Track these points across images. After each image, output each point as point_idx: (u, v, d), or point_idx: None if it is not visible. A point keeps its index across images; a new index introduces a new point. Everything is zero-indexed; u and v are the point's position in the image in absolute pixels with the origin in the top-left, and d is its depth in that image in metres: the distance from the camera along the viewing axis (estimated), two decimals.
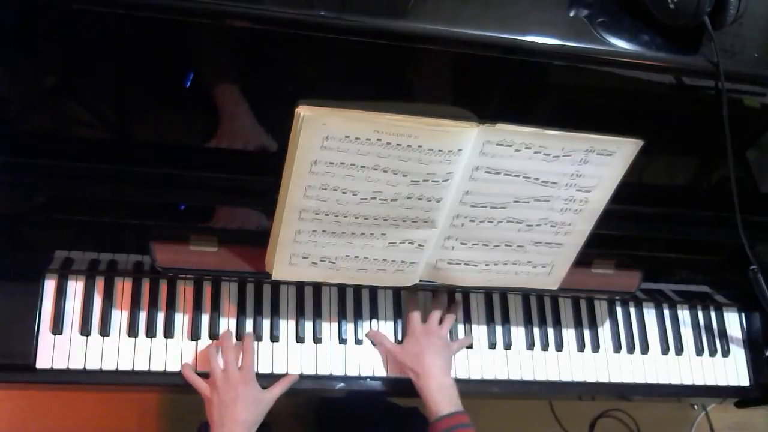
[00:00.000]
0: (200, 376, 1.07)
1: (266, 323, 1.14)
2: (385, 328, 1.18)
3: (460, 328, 1.21)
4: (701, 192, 1.13)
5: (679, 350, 1.28)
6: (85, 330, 1.08)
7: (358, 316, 1.17)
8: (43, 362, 1.05)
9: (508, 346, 1.21)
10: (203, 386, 1.05)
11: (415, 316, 1.15)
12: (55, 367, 1.06)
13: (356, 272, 1.00)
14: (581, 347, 1.24)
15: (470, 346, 1.20)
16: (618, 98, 0.99)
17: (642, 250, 1.16)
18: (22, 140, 0.93)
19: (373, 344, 1.16)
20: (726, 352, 1.30)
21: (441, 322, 1.16)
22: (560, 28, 0.86)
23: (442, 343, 1.13)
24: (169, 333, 1.10)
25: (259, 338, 1.12)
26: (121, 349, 1.08)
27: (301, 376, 1.12)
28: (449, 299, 1.21)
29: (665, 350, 1.28)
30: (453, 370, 1.16)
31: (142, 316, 1.10)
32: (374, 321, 1.17)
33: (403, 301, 1.19)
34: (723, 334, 1.31)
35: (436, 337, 1.13)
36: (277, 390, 1.07)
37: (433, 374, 1.07)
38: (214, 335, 1.11)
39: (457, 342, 1.17)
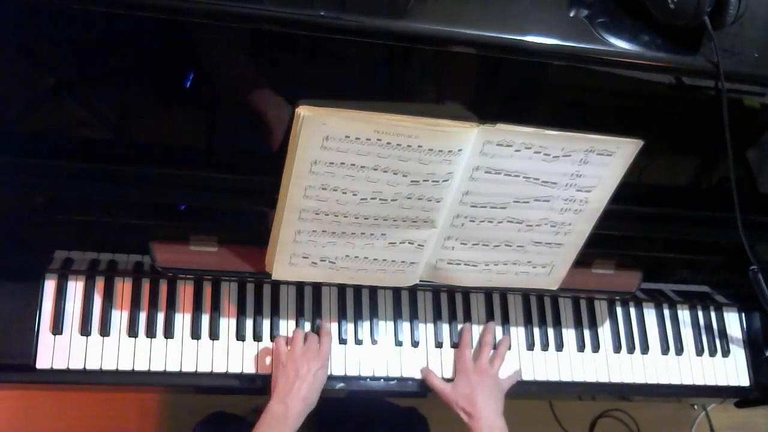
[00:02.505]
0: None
1: (266, 323, 1.14)
2: (385, 328, 1.18)
3: (460, 328, 1.20)
4: (701, 192, 1.13)
5: (679, 350, 1.28)
6: (85, 330, 1.08)
7: (358, 316, 1.17)
8: (43, 362, 1.05)
9: (507, 346, 1.21)
10: (282, 349, 1.06)
11: (466, 354, 1.14)
12: (55, 367, 1.06)
13: (356, 272, 1.00)
14: (581, 347, 1.24)
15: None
16: (618, 98, 0.99)
17: (642, 250, 1.16)
18: (22, 140, 0.93)
19: (372, 341, 1.16)
20: (726, 352, 1.30)
21: (492, 359, 1.15)
22: (560, 28, 0.86)
23: (494, 383, 1.12)
24: (169, 333, 1.10)
25: (259, 338, 1.13)
26: (121, 349, 1.08)
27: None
28: (496, 337, 1.20)
29: (665, 350, 1.28)
30: (452, 371, 1.16)
31: (142, 316, 1.10)
32: (374, 321, 1.17)
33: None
34: (723, 334, 1.31)
35: (487, 376, 1.12)
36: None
37: (485, 416, 1.06)
38: (214, 335, 1.11)
39: (507, 379, 1.16)
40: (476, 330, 1.21)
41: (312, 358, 1.05)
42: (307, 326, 1.15)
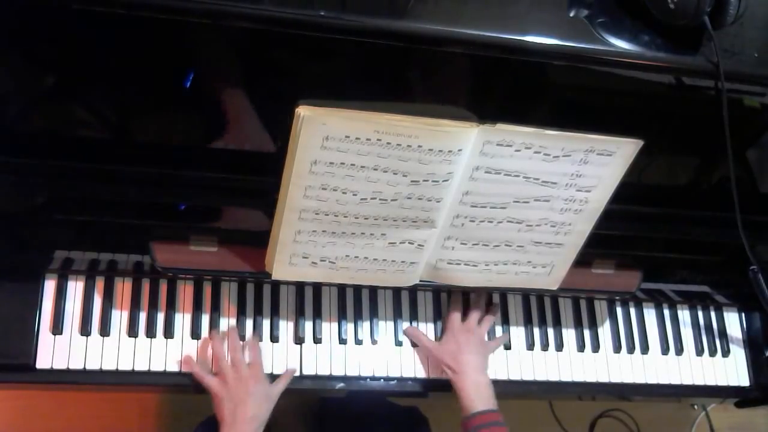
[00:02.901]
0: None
1: (266, 323, 1.14)
2: (385, 328, 1.18)
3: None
4: (701, 192, 1.13)
5: (679, 350, 1.28)
6: (85, 330, 1.08)
7: (358, 316, 1.17)
8: (43, 362, 1.05)
9: (507, 346, 1.21)
10: (213, 383, 1.05)
11: (455, 315, 1.16)
12: (55, 367, 1.06)
13: (356, 272, 1.00)
14: (581, 347, 1.24)
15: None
16: (618, 98, 0.99)
17: (642, 250, 1.16)
18: (22, 140, 0.93)
19: (372, 341, 1.16)
20: (726, 352, 1.30)
21: (480, 322, 1.17)
22: (560, 28, 0.86)
23: (480, 342, 1.14)
24: (169, 333, 1.10)
25: (259, 338, 1.12)
26: (121, 349, 1.08)
27: (301, 376, 1.12)
28: (488, 301, 1.22)
29: (665, 350, 1.28)
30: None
31: (142, 316, 1.10)
32: (374, 321, 1.17)
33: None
34: (723, 334, 1.31)
35: (474, 335, 1.14)
36: (281, 385, 1.08)
37: (470, 372, 1.09)
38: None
39: (494, 341, 1.18)
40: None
41: (244, 379, 1.04)
42: (308, 326, 1.15)
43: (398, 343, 1.17)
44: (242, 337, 1.12)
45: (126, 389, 1.14)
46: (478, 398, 1.05)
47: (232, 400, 1.02)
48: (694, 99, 1.00)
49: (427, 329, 1.19)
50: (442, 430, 1.36)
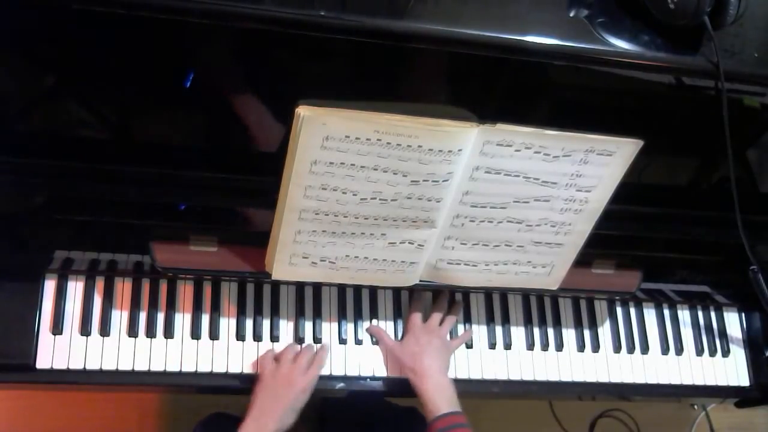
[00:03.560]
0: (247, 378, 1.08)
1: (266, 323, 1.14)
2: (385, 328, 1.18)
3: (460, 327, 1.20)
4: (701, 192, 1.13)
5: (679, 350, 1.28)
6: (85, 330, 1.08)
7: (358, 316, 1.17)
8: (43, 362, 1.05)
9: (508, 346, 1.21)
10: (268, 366, 1.06)
11: (417, 315, 1.15)
12: (55, 367, 1.06)
13: (356, 272, 1.00)
14: (581, 347, 1.24)
15: (470, 346, 1.19)
16: (618, 98, 0.99)
17: (642, 250, 1.16)
18: (22, 140, 0.93)
19: (373, 341, 1.16)
20: (726, 352, 1.30)
21: (442, 322, 1.16)
22: (560, 28, 0.86)
23: (441, 343, 1.13)
24: (169, 333, 1.10)
25: (258, 338, 1.13)
26: (121, 349, 1.08)
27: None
28: (451, 300, 1.21)
29: (665, 350, 1.28)
30: (453, 371, 1.16)
31: (142, 316, 1.10)
32: (374, 321, 1.17)
33: (408, 300, 1.19)
34: (723, 334, 1.31)
35: (435, 336, 1.13)
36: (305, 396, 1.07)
37: (431, 374, 1.07)
38: (214, 335, 1.11)
39: (456, 339, 1.17)
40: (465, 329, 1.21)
41: (295, 381, 1.04)
42: (308, 326, 1.15)
43: (398, 341, 1.17)
44: (242, 338, 1.12)
45: (126, 389, 1.14)
46: (441, 400, 1.04)
47: (274, 392, 1.02)
48: (694, 99, 1.00)
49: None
50: None
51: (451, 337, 1.17)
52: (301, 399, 1.05)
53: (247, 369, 1.11)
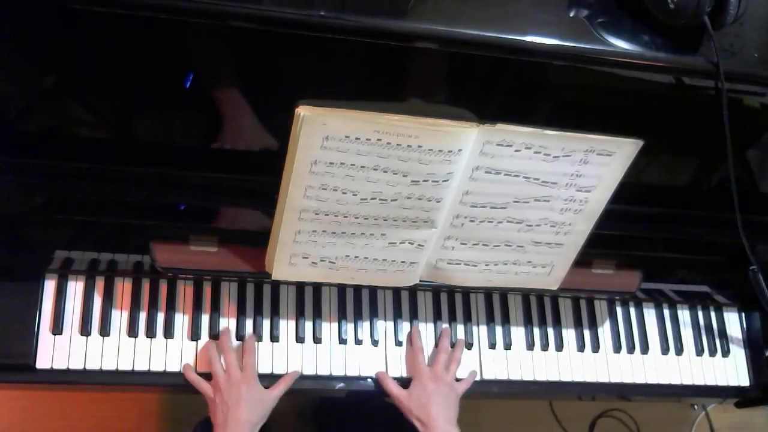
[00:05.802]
0: (202, 377, 1.07)
1: (266, 323, 1.14)
2: (385, 328, 1.18)
3: (460, 328, 1.20)
4: (701, 192, 1.13)
5: (679, 350, 1.28)
6: (85, 330, 1.08)
7: (358, 316, 1.17)
8: (43, 362, 1.05)
9: (508, 346, 1.21)
10: (206, 387, 1.05)
11: (420, 359, 1.13)
12: (55, 367, 1.06)
13: (356, 272, 1.00)
14: (581, 347, 1.24)
15: (470, 346, 1.19)
16: (618, 98, 0.99)
17: (642, 250, 1.16)
18: (22, 140, 0.93)
19: (372, 341, 1.16)
20: (726, 352, 1.30)
21: (448, 365, 1.13)
22: (560, 28, 0.86)
23: (449, 390, 1.10)
24: (169, 333, 1.10)
25: (259, 338, 1.12)
26: (121, 349, 1.08)
27: (301, 376, 1.12)
28: (450, 339, 1.18)
29: (665, 350, 1.28)
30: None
31: (142, 316, 1.10)
32: (374, 321, 1.17)
33: (407, 341, 1.17)
34: (723, 334, 1.31)
35: (443, 383, 1.10)
36: (279, 389, 1.07)
37: (439, 425, 1.05)
38: (214, 335, 1.11)
39: (463, 382, 1.14)
40: (461, 329, 1.21)
41: (236, 383, 1.03)
42: (308, 326, 1.15)
43: (398, 343, 1.17)
44: (241, 338, 1.12)
45: (126, 389, 1.13)
46: None
47: (225, 404, 1.02)
48: (694, 99, 1.00)
49: (426, 329, 1.18)
50: None
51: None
52: (253, 393, 1.04)
53: (207, 374, 1.10)
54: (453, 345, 1.17)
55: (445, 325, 1.19)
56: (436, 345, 1.17)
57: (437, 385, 1.10)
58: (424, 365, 1.13)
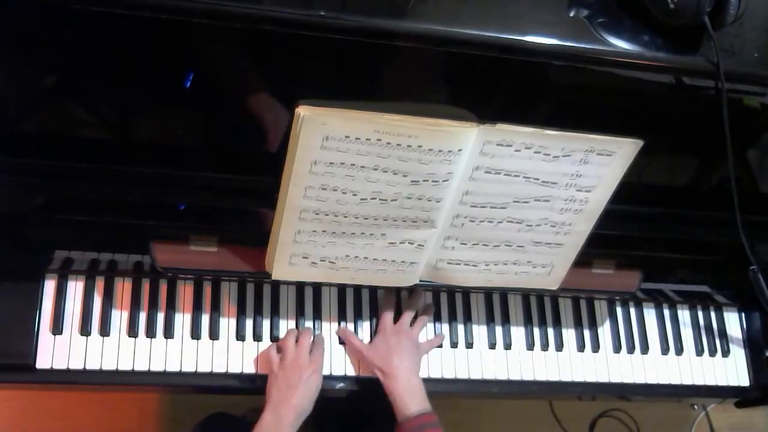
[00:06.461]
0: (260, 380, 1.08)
1: (266, 323, 1.14)
2: None
3: (461, 328, 1.20)
4: (701, 192, 1.13)
5: (679, 350, 1.28)
6: (85, 330, 1.08)
7: (358, 316, 1.17)
8: (43, 362, 1.05)
9: (508, 346, 1.21)
10: (275, 359, 1.06)
11: (387, 316, 1.15)
12: (55, 367, 1.06)
13: (356, 272, 1.00)
14: (581, 347, 1.24)
15: (470, 346, 1.19)
16: (618, 98, 0.99)
17: (642, 250, 1.16)
18: (22, 140, 0.93)
19: (341, 342, 1.16)
20: (726, 352, 1.30)
21: (413, 323, 1.15)
22: (560, 28, 0.86)
23: (411, 344, 1.12)
24: (169, 333, 1.10)
25: (259, 338, 1.13)
26: (121, 349, 1.08)
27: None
28: (423, 301, 1.20)
29: (665, 350, 1.28)
30: (453, 371, 1.16)
31: (142, 316, 1.10)
32: (374, 321, 1.17)
33: (379, 300, 1.18)
34: (723, 334, 1.31)
35: (405, 337, 1.12)
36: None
37: (401, 374, 1.07)
38: (214, 335, 1.11)
39: (427, 342, 1.16)
40: (461, 329, 1.21)
41: (303, 366, 1.05)
42: (308, 326, 1.15)
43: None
44: (242, 338, 1.12)
45: (126, 389, 1.14)
46: (411, 400, 1.04)
47: (285, 382, 1.03)
48: (694, 99, 1.00)
49: (426, 329, 1.19)
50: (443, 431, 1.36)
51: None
52: (313, 382, 1.05)
53: (247, 369, 1.11)
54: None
55: (420, 289, 1.19)
56: (406, 305, 1.18)
57: (399, 337, 1.12)
58: (390, 321, 1.14)
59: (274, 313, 1.15)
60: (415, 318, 1.16)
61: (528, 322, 1.23)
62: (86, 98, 0.92)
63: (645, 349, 1.27)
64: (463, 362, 1.18)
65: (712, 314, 1.33)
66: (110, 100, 0.93)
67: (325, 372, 1.13)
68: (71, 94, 0.91)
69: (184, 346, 1.11)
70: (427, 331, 1.18)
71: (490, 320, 1.22)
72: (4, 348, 1.04)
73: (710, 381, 1.28)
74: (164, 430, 1.76)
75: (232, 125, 0.95)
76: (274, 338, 1.13)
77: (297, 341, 1.09)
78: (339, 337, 1.15)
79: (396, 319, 1.15)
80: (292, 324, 1.15)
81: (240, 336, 1.12)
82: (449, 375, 1.17)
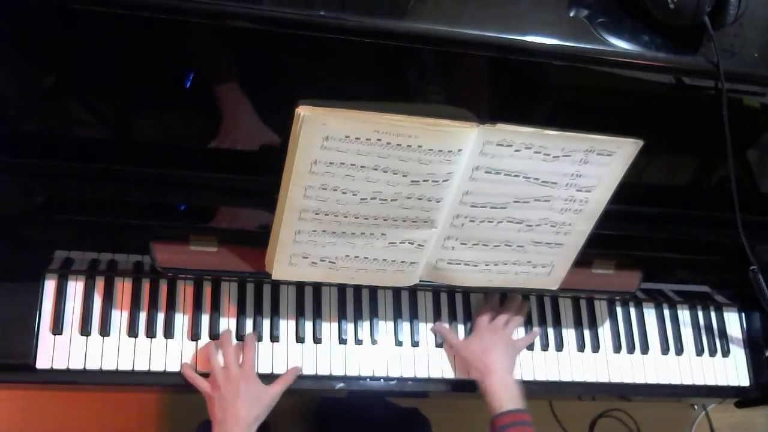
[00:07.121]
0: (201, 376, 1.07)
1: (266, 323, 1.14)
2: (385, 328, 1.18)
3: (461, 328, 1.20)
4: (701, 192, 1.13)
5: (679, 350, 1.28)
6: (85, 330, 1.08)
7: (358, 316, 1.17)
8: (43, 362, 1.05)
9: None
10: (204, 384, 1.05)
11: (484, 315, 1.16)
12: (55, 367, 1.06)
13: (356, 272, 1.00)
14: (581, 347, 1.24)
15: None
16: (618, 98, 0.99)
17: (642, 250, 1.16)
18: (22, 140, 0.93)
19: (372, 341, 1.16)
20: (726, 352, 1.30)
21: (507, 323, 1.16)
22: (560, 28, 0.86)
23: (506, 342, 1.14)
24: (169, 333, 1.10)
25: (259, 338, 1.13)
26: (121, 349, 1.08)
27: (301, 376, 1.12)
28: (520, 301, 1.22)
29: (665, 350, 1.28)
30: (453, 371, 1.16)
31: (142, 316, 1.10)
32: (374, 321, 1.17)
33: (479, 301, 1.20)
34: (723, 334, 1.31)
35: (500, 336, 1.14)
36: (279, 386, 1.07)
37: (497, 371, 1.08)
38: (214, 335, 1.11)
39: (522, 339, 1.18)
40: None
41: (234, 379, 1.03)
42: (308, 326, 1.15)
43: (398, 343, 1.17)
44: (241, 338, 1.12)
45: (126, 389, 1.13)
46: (506, 397, 1.05)
47: (223, 400, 1.02)
48: (694, 99, 1.00)
49: (427, 329, 1.19)
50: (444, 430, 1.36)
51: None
52: (251, 389, 1.03)
53: (205, 374, 1.10)
54: None
55: (519, 296, 1.21)
56: (502, 306, 1.20)
57: (494, 336, 1.13)
58: (486, 320, 1.16)
59: (274, 313, 1.15)
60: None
61: (528, 322, 1.23)
62: (86, 98, 0.92)
63: (645, 349, 1.27)
64: (463, 362, 1.18)
65: (712, 314, 1.32)
66: (110, 100, 0.93)
67: (325, 372, 1.13)
68: (71, 94, 0.91)
69: (184, 346, 1.11)
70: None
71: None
72: (4, 348, 1.04)
73: (710, 381, 1.28)
74: (164, 430, 1.76)
75: (232, 125, 0.95)
76: (274, 338, 1.13)
77: (224, 353, 1.06)
78: (339, 338, 1.15)
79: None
80: (291, 324, 1.15)
81: (240, 336, 1.12)
82: (449, 375, 1.17)
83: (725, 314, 1.33)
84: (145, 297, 1.11)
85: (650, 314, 1.30)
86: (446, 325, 1.18)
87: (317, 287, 1.17)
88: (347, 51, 0.87)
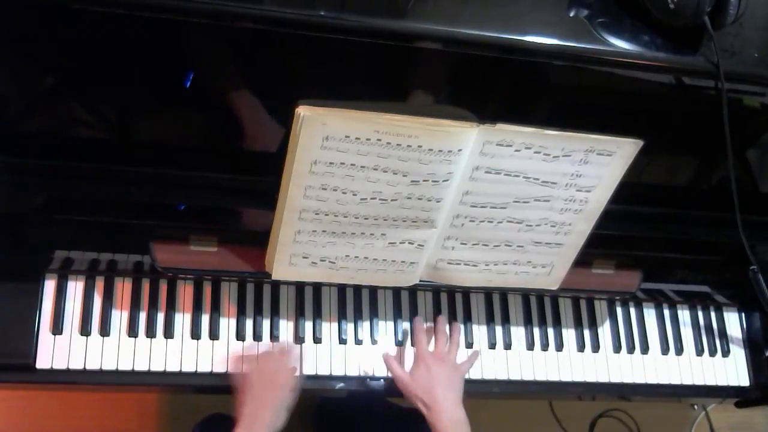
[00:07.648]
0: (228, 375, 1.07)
1: (266, 323, 1.14)
2: (385, 328, 1.18)
3: (461, 328, 1.20)
4: (701, 192, 1.13)
5: (679, 350, 1.28)
6: (85, 330, 1.08)
7: (358, 316, 1.17)
8: (43, 362, 1.05)
9: (508, 346, 1.21)
10: (252, 367, 1.05)
11: (423, 342, 1.12)
12: (55, 367, 1.06)
13: (356, 272, 1.00)
14: (581, 347, 1.24)
15: (470, 345, 1.19)
16: (618, 98, 0.99)
17: (642, 250, 1.16)
18: (22, 140, 0.93)
19: (372, 341, 1.16)
20: (726, 352, 1.30)
21: (449, 347, 1.13)
22: (560, 28, 0.86)
23: (452, 371, 1.09)
24: (169, 333, 1.10)
25: (259, 338, 1.13)
26: (121, 349, 1.08)
27: (302, 376, 1.12)
28: (450, 322, 1.19)
29: (665, 350, 1.28)
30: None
31: (142, 316, 1.10)
32: (374, 321, 1.17)
33: (412, 328, 1.16)
34: (723, 334, 1.31)
35: (446, 364, 1.09)
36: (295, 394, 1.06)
37: (446, 409, 1.03)
38: (214, 335, 1.11)
39: (466, 362, 1.13)
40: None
41: (282, 379, 1.03)
42: (308, 326, 1.15)
43: (398, 343, 1.17)
44: (242, 338, 1.12)
45: (126, 389, 1.14)
46: None
47: (260, 397, 1.01)
48: (694, 99, 1.00)
49: (427, 330, 1.19)
50: None
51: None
52: (289, 398, 1.03)
53: (248, 369, 1.11)
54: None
55: (440, 316, 1.18)
56: (435, 331, 1.16)
57: (441, 365, 1.08)
58: (426, 347, 1.12)
59: (274, 313, 1.15)
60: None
61: (528, 322, 1.23)
62: (86, 98, 0.92)
63: (645, 349, 1.27)
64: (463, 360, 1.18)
65: (712, 314, 1.33)
66: (110, 100, 0.93)
67: (325, 372, 1.13)
68: (71, 94, 0.91)
69: (184, 346, 1.11)
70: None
71: (490, 320, 1.22)
72: (4, 348, 1.04)
73: (710, 381, 1.28)
74: (164, 430, 1.76)
75: (233, 125, 0.95)
76: (274, 338, 1.13)
77: (277, 355, 1.07)
78: (339, 338, 1.15)
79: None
80: (291, 324, 1.15)
81: (240, 336, 1.12)
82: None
83: (725, 314, 1.33)
84: (145, 297, 1.11)
85: (650, 314, 1.30)
86: (392, 355, 1.13)
87: (317, 287, 1.17)
88: (347, 51, 0.87)
